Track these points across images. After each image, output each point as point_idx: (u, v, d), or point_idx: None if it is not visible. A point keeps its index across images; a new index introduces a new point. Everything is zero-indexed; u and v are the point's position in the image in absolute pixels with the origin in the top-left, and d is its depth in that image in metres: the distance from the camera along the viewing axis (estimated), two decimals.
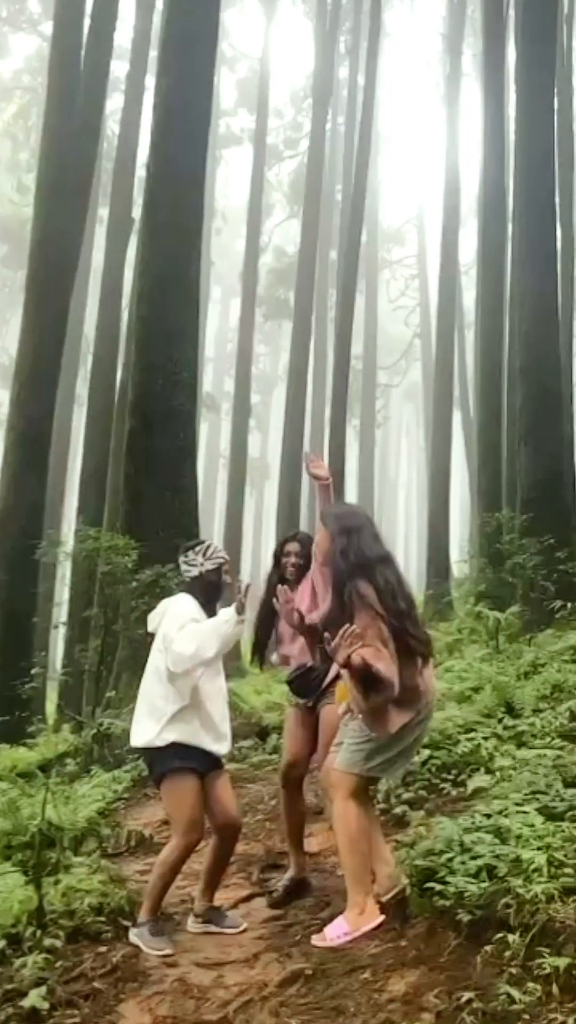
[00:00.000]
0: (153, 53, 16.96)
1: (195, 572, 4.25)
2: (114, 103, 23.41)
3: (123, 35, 19.13)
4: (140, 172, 15.50)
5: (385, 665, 3.59)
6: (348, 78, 30.62)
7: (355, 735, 3.79)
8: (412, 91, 55.83)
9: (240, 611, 4.07)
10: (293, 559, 4.49)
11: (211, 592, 4.23)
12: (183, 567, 4.30)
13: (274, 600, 4.14)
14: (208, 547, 4.32)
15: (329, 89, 26.96)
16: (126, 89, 19.28)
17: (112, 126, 24.38)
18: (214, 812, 4.08)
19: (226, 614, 4.07)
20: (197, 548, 4.31)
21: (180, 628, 4.01)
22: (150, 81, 15.54)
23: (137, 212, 14.53)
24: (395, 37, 37.80)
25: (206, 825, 4.12)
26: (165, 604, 4.30)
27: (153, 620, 4.27)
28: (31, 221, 13.34)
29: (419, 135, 60.18)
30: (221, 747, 4.13)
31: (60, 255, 12.56)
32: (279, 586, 4.20)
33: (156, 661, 4.13)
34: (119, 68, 21.80)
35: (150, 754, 4.08)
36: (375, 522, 4.13)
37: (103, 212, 20.63)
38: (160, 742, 3.99)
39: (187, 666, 3.95)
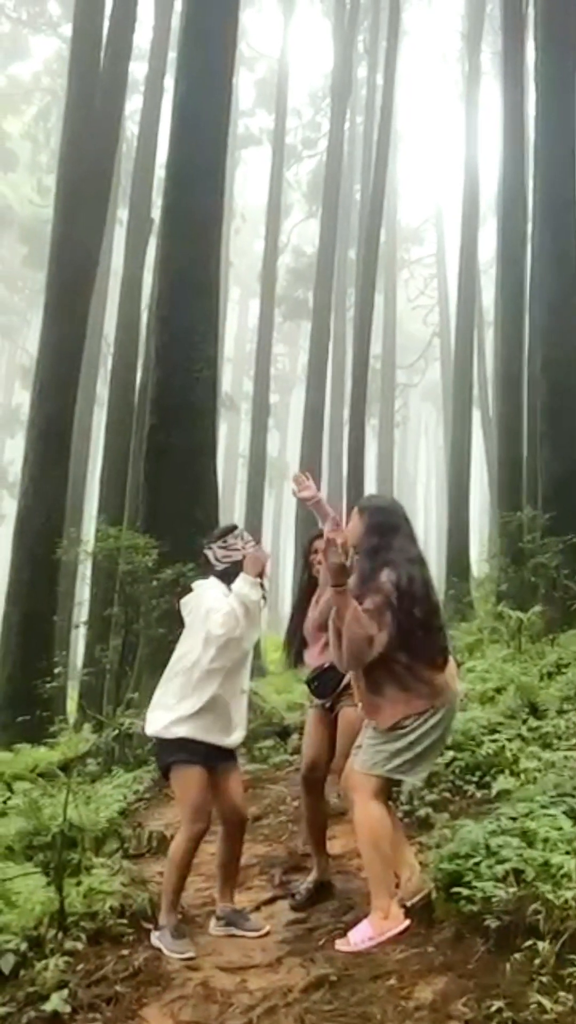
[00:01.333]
0: (172, 54, 16.98)
1: (238, 556, 4.17)
2: (133, 104, 23.47)
3: (142, 36, 19.09)
4: (159, 173, 15.50)
5: (360, 625, 3.60)
6: (367, 77, 30.56)
7: (375, 736, 3.73)
8: (431, 90, 55.64)
9: (254, 572, 4.02)
10: (321, 556, 4.44)
11: None
12: (220, 554, 4.20)
13: (325, 526, 4.21)
14: (242, 531, 4.29)
15: (348, 89, 26.89)
16: (145, 90, 19.33)
17: (131, 127, 24.42)
18: (219, 803, 4.05)
19: (242, 584, 4.02)
20: (235, 533, 4.26)
21: (205, 617, 3.99)
22: (169, 82, 15.55)
23: (156, 213, 14.55)
24: (413, 36, 37.63)
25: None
26: (199, 588, 4.22)
27: (187, 604, 4.21)
28: (51, 222, 13.38)
29: (438, 134, 60.22)
30: (231, 739, 4.08)
31: (80, 256, 12.59)
32: (331, 517, 4.28)
33: (183, 650, 4.09)
34: (138, 69, 21.87)
35: (159, 744, 4.08)
36: (411, 521, 4.04)
37: (123, 213, 20.69)
38: (169, 735, 3.98)
39: (224, 638, 3.94)
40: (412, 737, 3.69)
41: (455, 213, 27.08)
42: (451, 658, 3.91)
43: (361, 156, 29.86)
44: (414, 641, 3.69)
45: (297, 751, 7.26)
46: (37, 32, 34.50)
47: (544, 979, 2.79)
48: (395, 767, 3.70)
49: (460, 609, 15.88)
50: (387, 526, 3.87)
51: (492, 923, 3.15)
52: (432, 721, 3.71)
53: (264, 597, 4.14)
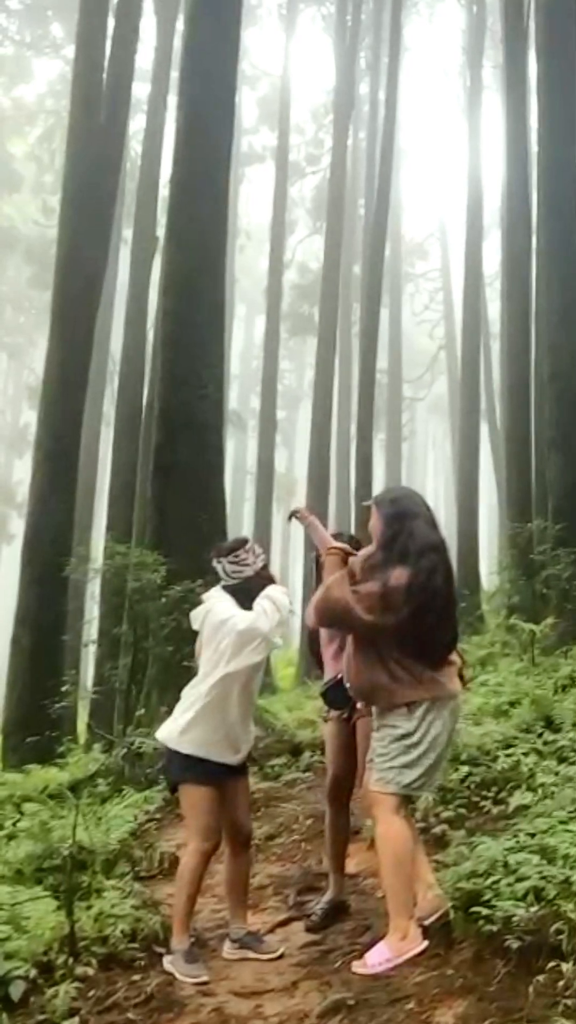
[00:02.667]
0: (174, 74, 17.07)
1: (250, 571, 4.10)
2: (137, 124, 23.63)
3: (144, 57, 19.26)
4: (164, 192, 15.57)
5: (340, 590, 3.62)
6: (369, 93, 30.65)
7: (383, 751, 3.65)
8: (433, 105, 55.79)
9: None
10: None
11: (258, 591, 4.06)
12: (231, 569, 4.11)
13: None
14: (253, 545, 4.22)
15: (350, 105, 26.99)
16: (148, 110, 19.42)
17: (135, 147, 24.58)
18: (223, 819, 3.98)
19: (274, 589, 4.03)
20: (246, 547, 4.18)
21: (220, 625, 3.94)
22: (172, 101, 15.63)
23: (161, 231, 14.58)
24: (415, 51, 37.81)
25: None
26: (208, 600, 4.14)
27: (197, 618, 4.14)
28: (56, 242, 13.42)
29: (441, 148, 60.44)
30: (236, 758, 4.01)
31: (85, 275, 12.60)
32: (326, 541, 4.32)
33: (204, 662, 4.03)
34: (141, 89, 22.00)
35: (169, 754, 4.01)
36: (431, 507, 3.94)
37: (127, 232, 20.76)
38: (176, 746, 3.92)
39: (249, 632, 3.90)
40: (422, 748, 3.60)
41: (459, 226, 27.15)
42: (454, 657, 3.82)
43: (364, 171, 29.94)
44: (409, 639, 3.63)
45: (309, 768, 7.19)
46: (40, 55, 34.77)
47: (568, 1002, 2.71)
48: (409, 783, 3.61)
49: (471, 622, 15.76)
50: (403, 514, 3.79)
51: (513, 943, 3.07)
52: (436, 727, 3.62)
53: (292, 611, 4.11)
